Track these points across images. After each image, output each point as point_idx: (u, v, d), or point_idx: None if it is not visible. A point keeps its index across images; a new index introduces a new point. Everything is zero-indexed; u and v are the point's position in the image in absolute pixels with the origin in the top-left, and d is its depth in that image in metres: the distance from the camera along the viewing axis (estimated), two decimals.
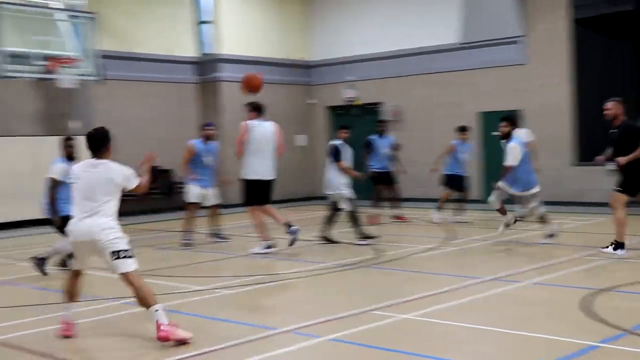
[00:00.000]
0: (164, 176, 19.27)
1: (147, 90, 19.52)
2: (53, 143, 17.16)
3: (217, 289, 8.61)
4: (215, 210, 12.76)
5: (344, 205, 11.99)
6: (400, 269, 9.72)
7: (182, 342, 6.23)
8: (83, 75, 14.96)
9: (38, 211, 15.79)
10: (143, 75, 19.40)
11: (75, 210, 6.56)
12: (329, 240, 12.08)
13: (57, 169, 9.64)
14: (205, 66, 20.60)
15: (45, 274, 9.84)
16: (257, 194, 11.08)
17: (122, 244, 6.48)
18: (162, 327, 6.25)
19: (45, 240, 11.91)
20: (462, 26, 18.64)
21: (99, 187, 6.48)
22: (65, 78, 14.32)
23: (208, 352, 6.09)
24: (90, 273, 8.33)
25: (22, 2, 15.85)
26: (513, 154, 10.98)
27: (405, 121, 20.22)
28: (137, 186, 6.71)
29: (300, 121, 22.20)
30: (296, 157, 21.87)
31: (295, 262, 10.48)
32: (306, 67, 22.31)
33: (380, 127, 15.11)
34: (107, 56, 17.01)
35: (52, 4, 15.77)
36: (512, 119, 11.44)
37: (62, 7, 16.18)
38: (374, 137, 15.06)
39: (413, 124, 20.14)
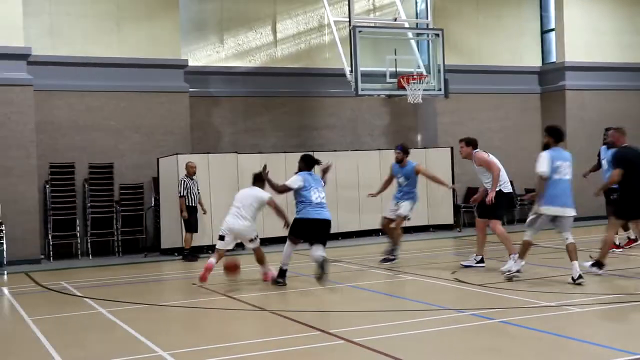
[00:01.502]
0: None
1: (490, 102, 19.56)
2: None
3: (565, 305, 8.26)
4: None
5: None
6: None
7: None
8: (429, 90, 15.42)
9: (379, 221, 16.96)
10: (487, 88, 19.49)
11: None
12: None
13: None
14: (549, 75, 20.02)
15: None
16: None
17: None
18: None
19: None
20: None
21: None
22: (414, 94, 14.87)
23: None
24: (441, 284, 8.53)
25: (375, 25, 16.90)
26: None
27: None
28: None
29: None
30: None
31: None
32: None
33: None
34: (452, 70, 17.35)
35: (401, 24, 16.55)
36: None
37: (410, 26, 16.90)
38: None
39: None
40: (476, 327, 7.47)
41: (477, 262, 11.54)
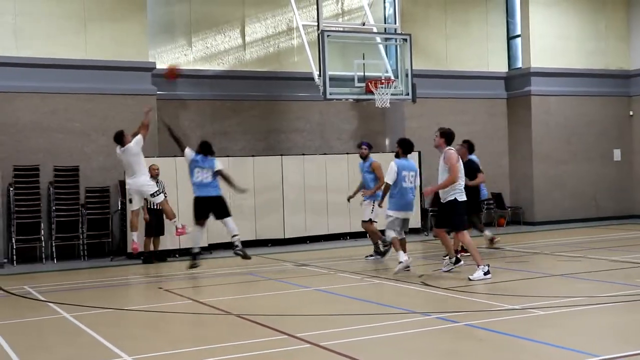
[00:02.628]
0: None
1: (458, 106, 19.66)
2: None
3: (529, 308, 8.35)
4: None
5: None
6: None
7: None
8: (397, 94, 15.47)
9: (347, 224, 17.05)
10: (454, 92, 19.61)
11: None
12: None
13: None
14: (516, 80, 20.22)
15: None
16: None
17: None
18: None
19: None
20: None
21: None
22: (381, 98, 14.91)
23: None
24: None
25: (344, 29, 16.92)
26: None
27: None
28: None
29: (619, 135, 20.83)
30: (611, 173, 20.61)
31: (613, 285, 9.82)
32: (626, 76, 20.86)
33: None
34: (420, 75, 17.44)
35: (370, 29, 16.60)
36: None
37: (378, 31, 16.96)
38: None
39: None
40: (442, 331, 7.52)
41: (455, 264, 11.34)
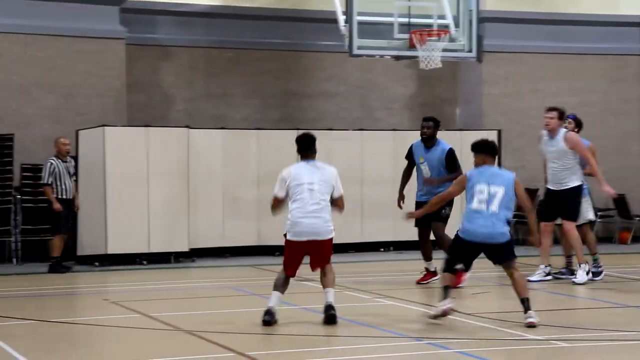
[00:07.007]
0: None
1: (564, 66, 21.14)
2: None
3: (553, 340, 10.55)
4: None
5: None
6: None
7: None
8: (453, 50, 16.66)
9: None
10: (559, 46, 20.99)
11: None
12: None
13: None
14: None
15: None
16: None
17: None
18: None
19: None
20: None
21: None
22: (429, 56, 16.07)
23: None
24: None
25: None
26: None
27: None
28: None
29: None
30: None
31: None
32: None
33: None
34: (501, 19, 19.36)
35: None
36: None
37: None
38: None
39: None
40: (421, 356, 9.85)
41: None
